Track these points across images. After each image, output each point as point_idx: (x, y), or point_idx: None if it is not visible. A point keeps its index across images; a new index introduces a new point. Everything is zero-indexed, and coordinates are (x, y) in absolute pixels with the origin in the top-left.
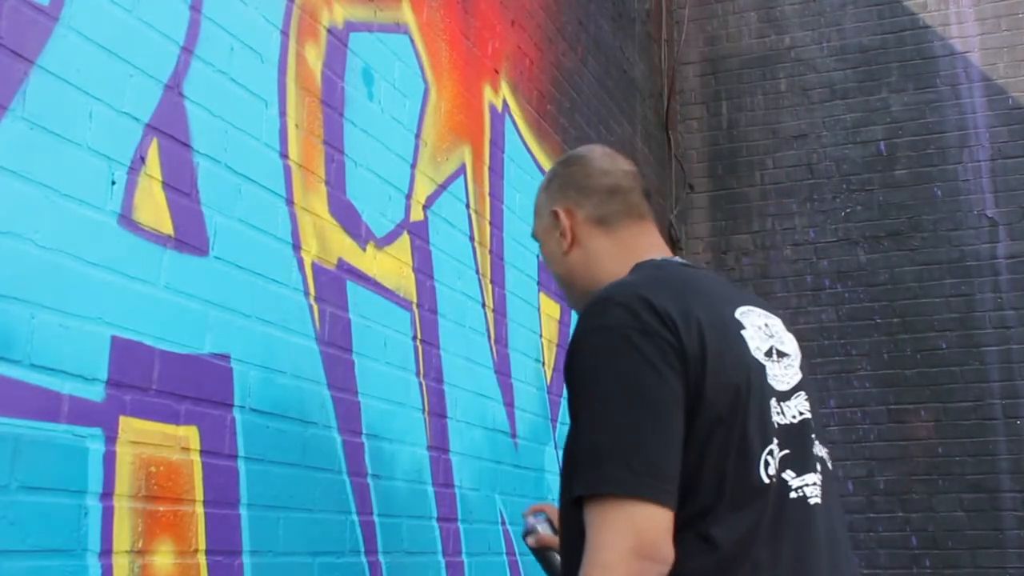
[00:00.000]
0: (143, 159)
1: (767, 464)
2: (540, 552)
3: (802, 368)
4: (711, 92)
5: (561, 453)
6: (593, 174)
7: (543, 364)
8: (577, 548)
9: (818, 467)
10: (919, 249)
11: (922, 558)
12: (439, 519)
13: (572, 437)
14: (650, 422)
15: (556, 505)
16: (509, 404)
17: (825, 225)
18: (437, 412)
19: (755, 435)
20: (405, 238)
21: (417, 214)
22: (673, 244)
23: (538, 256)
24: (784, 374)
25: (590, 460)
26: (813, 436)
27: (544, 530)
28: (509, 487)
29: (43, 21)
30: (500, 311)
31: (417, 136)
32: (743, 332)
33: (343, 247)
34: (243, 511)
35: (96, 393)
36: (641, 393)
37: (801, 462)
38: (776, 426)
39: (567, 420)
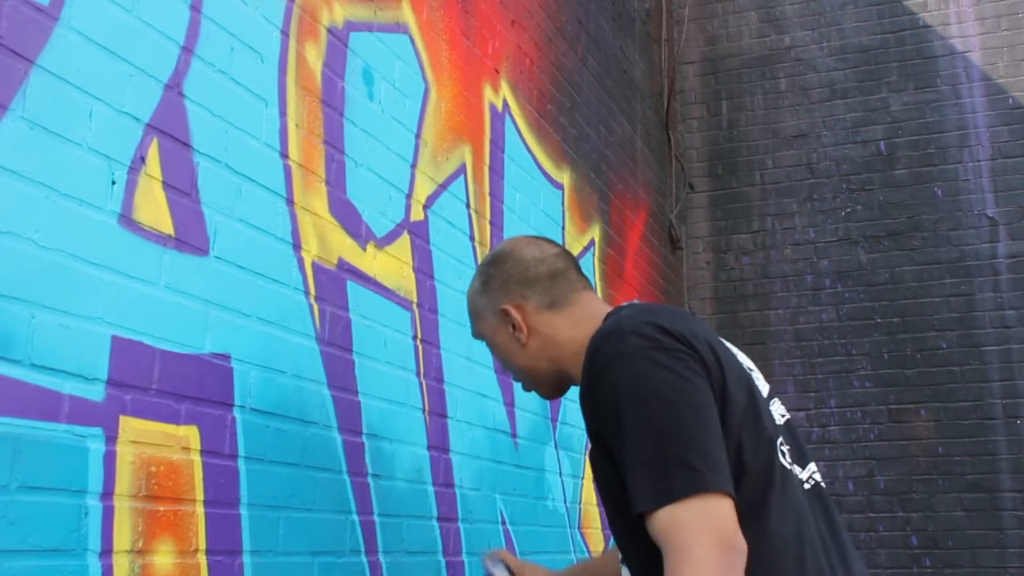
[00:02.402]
0: (143, 159)
1: (784, 454)
2: None
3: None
4: (711, 92)
5: (598, 489)
6: (529, 266)
7: None
8: (645, 553)
9: (809, 458)
10: (919, 249)
11: (922, 558)
12: (439, 519)
13: (613, 463)
14: (690, 423)
15: (515, 555)
16: (509, 404)
17: (825, 225)
18: (437, 412)
19: (771, 428)
20: (405, 238)
21: (417, 214)
22: (673, 244)
23: None
24: (759, 382)
25: (650, 474)
26: (798, 433)
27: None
28: (510, 487)
29: (43, 21)
30: None
31: (417, 136)
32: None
33: (343, 247)
34: (243, 511)
35: (96, 393)
36: (677, 398)
37: (800, 456)
38: (776, 424)
39: (567, 420)
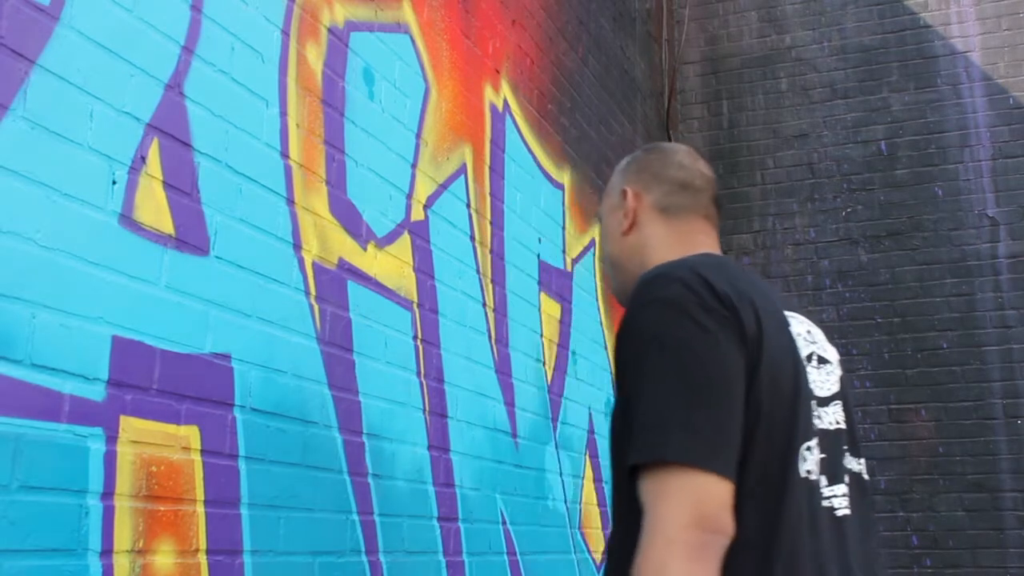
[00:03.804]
0: (144, 159)
1: (804, 459)
2: None
3: (841, 380)
4: (712, 92)
5: (609, 435)
6: (670, 165)
7: (544, 363)
8: (630, 521)
9: (847, 479)
10: (920, 249)
11: (923, 557)
12: (440, 519)
13: (626, 409)
14: (710, 392)
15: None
16: (510, 404)
17: (826, 225)
18: (438, 412)
19: (801, 426)
20: (406, 238)
21: (418, 214)
22: None
23: (539, 255)
24: (824, 380)
25: (649, 429)
26: (845, 448)
27: None
28: (510, 487)
29: (44, 21)
30: (501, 311)
31: (418, 136)
32: (790, 328)
33: (344, 247)
34: (244, 510)
35: (97, 393)
36: (703, 363)
37: (832, 471)
38: (815, 427)
39: (568, 420)
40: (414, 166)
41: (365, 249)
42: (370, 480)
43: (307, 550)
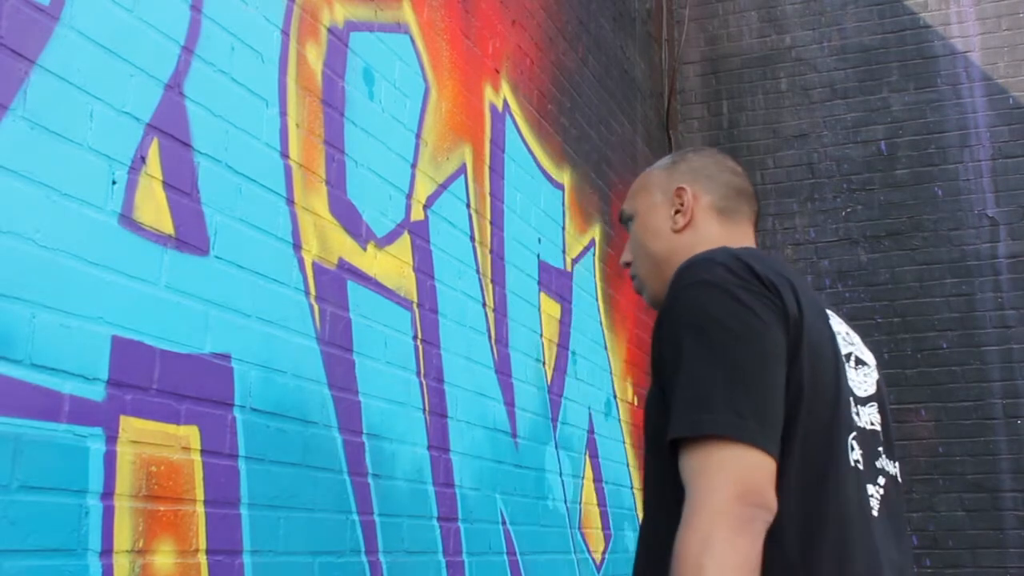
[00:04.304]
0: (144, 159)
1: (852, 448)
2: None
3: (878, 383)
4: (712, 92)
5: (645, 420)
6: (724, 171)
7: (543, 364)
8: (671, 504)
9: (881, 480)
10: (920, 249)
11: (923, 558)
12: (440, 519)
13: (665, 391)
14: (754, 369)
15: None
16: (510, 404)
17: (826, 225)
18: (438, 412)
19: (843, 416)
20: (406, 238)
21: (418, 214)
22: None
23: (538, 255)
24: (862, 381)
25: (693, 404)
26: (880, 449)
27: None
28: (510, 487)
29: (44, 21)
30: (500, 311)
31: (417, 136)
32: (829, 322)
33: (344, 247)
34: (244, 511)
35: (97, 393)
36: (746, 341)
37: (867, 470)
38: (855, 423)
39: (567, 420)
40: (414, 166)
41: (365, 249)
42: (370, 480)
43: (307, 550)
